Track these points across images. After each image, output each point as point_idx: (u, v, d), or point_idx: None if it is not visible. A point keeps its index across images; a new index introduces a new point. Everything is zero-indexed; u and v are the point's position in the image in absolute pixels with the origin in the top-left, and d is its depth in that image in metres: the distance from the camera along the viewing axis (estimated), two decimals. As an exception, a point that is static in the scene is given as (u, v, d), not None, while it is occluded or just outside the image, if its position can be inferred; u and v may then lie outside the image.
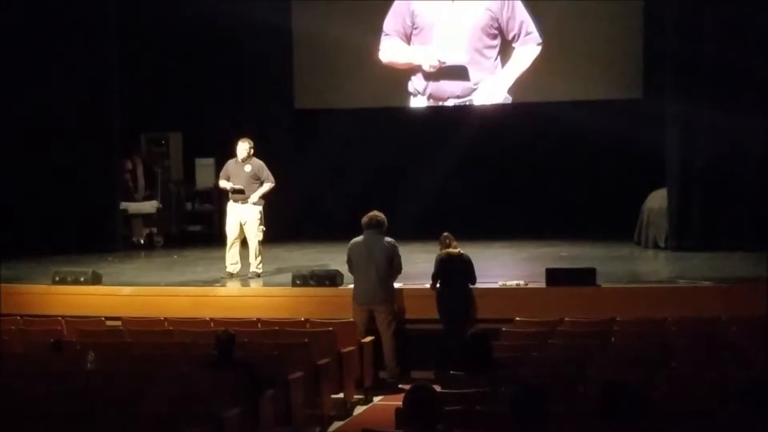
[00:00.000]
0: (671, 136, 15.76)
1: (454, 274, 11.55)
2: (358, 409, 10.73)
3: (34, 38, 16.91)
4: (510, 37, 18.42)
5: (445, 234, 11.72)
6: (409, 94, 18.89)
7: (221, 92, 18.92)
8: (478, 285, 11.68)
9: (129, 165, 18.81)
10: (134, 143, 19.25)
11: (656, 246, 15.95)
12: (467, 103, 18.73)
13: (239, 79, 18.95)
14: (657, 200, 16.18)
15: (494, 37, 18.49)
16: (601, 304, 11.53)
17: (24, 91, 16.77)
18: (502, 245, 16.69)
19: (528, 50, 18.38)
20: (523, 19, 18.35)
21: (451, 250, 11.58)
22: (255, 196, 13.54)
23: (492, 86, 18.54)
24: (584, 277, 12.04)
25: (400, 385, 11.33)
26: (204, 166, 18.91)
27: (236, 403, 7.90)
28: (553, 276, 12.11)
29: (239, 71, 18.93)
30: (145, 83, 18.53)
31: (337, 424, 10.08)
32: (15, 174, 16.79)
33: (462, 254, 11.61)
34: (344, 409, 10.48)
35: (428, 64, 18.63)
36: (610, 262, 13.96)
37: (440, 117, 18.79)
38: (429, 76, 18.78)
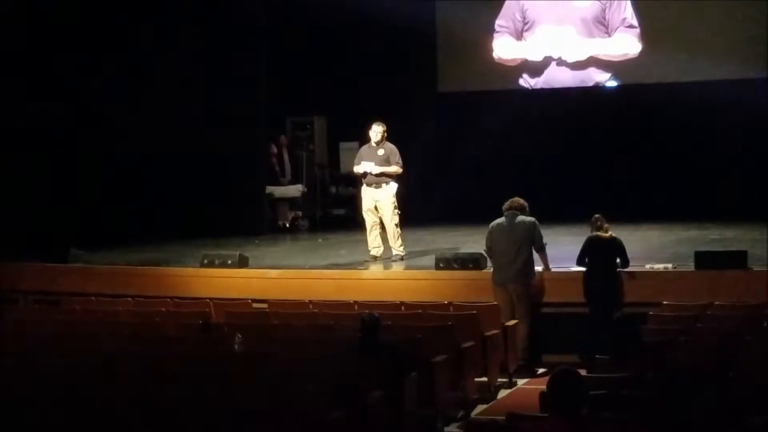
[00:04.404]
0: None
1: (602, 257, 11.41)
2: (502, 393, 10.68)
3: (178, 19, 17.22)
4: (612, 30, 18.44)
5: (596, 216, 11.60)
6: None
7: (365, 77, 19.03)
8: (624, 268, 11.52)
9: (274, 149, 19.10)
10: (280, 127, 19.52)
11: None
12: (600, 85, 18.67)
13: (383, 64, 19.02)
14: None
15: (604, 28, 18.48)
16: (752, 288, 11.19)
17: (173, 76, 17.11)
18: (650, 227, 16.37)
19: (626, 40, 18.27)
20: (626, 15, 18.30)
21: (601, 233, 11.44)
22: (377, 169, 13.50)
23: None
24: (735, 260, 11.72)
25: (539, 369, 11.31)
26: (348, 150, 18.99)
27: (380, 386, 7.94)
28: (703, 259, 11.84)
29: (383, 56, 19.00)
30: (290, 68, 18.77)
31: (481, 407, 10.06)
32: (166, 161, 17.19)
33: (614, 238, 11.47)
34: (488, 393, 10.45)
35: (536, 57, 18.75)
36: (762, 245, 13.54)
37: (576, 100, 18.58)
38: (539, 71, 18.81)
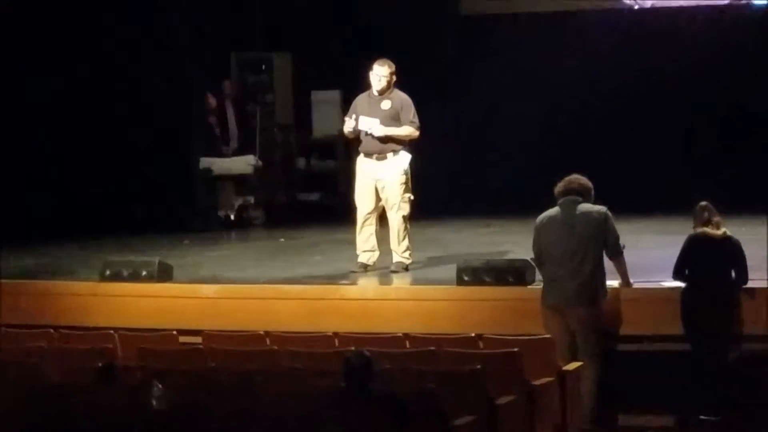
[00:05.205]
0: None
1: (711, 266, 11.45)
2: (559, 471, 10.71)
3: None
4: None
5: (703, 204, 11.59)
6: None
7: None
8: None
9: (213, 102, 19.08)
10: (221, 69, 19.52)
11: None
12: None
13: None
14: None
15: None
16: None
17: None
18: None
19: None
20: None
21: (709, 229, 11.46)
22: (381, 129, 13.48)
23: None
24: None
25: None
26: (325, 103, 19.05)
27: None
28: None
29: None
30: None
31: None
32: (48, 126, 17.18)
33: (729, 237, 11.50)
34: (537, 471, 10.47)
35: None
36: None
37: (666, 24, 18.62)
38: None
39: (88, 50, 17.24)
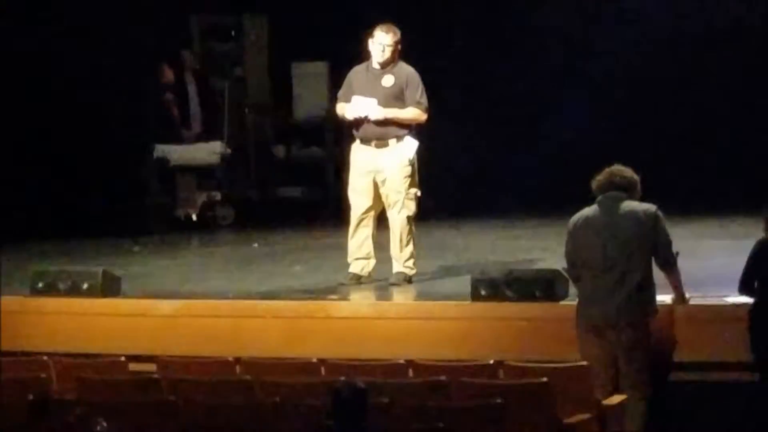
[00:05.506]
0: None
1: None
2: None
3: None
4: None
5: (776, 204, 11.59)
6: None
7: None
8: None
9: (170, 76, 19.09)
10: (182, 36, 19.54)
11: None
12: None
13: None
14: None
15: None
16: None
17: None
18: None
19: None
20: None
21: (783, 234, 11.44)
22: (380, 111, 13.45)
23: None
24: None
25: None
26: (308, 76, 19.05)
27: None
28: None
29: None
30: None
31: None
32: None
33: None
34: None
35: None
36: None
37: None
38: None
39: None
